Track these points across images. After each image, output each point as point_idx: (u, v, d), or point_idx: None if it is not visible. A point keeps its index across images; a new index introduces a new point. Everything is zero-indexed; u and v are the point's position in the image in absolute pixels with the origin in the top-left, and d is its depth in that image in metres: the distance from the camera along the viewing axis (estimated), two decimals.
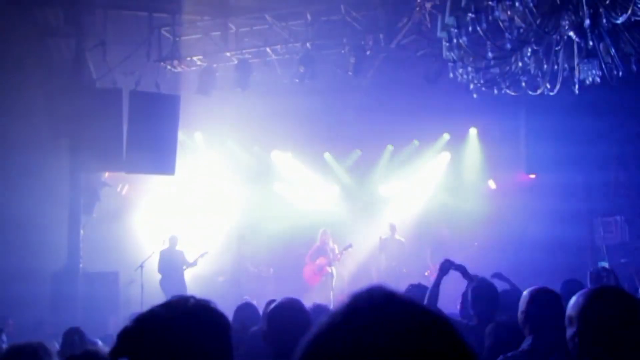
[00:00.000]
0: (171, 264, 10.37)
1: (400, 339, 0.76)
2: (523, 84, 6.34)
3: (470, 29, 5.19)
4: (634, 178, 10.57)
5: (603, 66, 5.41)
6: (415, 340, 0.77)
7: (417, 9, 8.48)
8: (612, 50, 5.25)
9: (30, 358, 2.49)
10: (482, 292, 4.00)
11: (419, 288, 4.81)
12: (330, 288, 11.33)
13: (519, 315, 3.06)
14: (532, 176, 11.41)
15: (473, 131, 12.79)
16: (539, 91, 6.31)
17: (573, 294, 2.17)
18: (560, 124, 9.87)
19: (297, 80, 9.29)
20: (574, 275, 5.78)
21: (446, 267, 4.42)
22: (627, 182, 10.57)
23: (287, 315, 2.63)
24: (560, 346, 2.81)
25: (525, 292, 3.18)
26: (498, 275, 5.16)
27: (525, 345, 2.98)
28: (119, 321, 7.10)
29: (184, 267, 10.48)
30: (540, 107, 9.91)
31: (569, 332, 2.13)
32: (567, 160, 9.96)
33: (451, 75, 6.51)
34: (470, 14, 5.33)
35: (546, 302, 3.11)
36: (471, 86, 6.41)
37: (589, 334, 2.03)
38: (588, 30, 4.83)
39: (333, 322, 0.81)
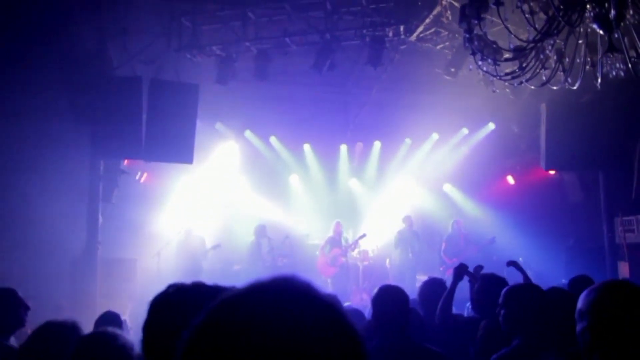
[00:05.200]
0: (188, 252, 10.45)
1: (287, 327, 0.76)
2: (544, 77, 6.23)
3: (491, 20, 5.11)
4: None
5: (628, 60, 5.29)
6: (302, 328, 0.76)
7: (439, 0, 8.39)
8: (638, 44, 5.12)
9: (61, 335, 2.52)
10: (487, 287, 3.97)
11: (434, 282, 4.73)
12: (344, 279, 11.35)
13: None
14: (552, 172, 11.25)
15: (491, 126, 12.67)
16: (559, 86, 6.20)
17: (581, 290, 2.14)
18: (580, 120, 9.69)
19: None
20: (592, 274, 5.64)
21: (460, 273, 4.33)
22: None
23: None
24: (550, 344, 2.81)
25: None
26: (513, 264, 5.03)
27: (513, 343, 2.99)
28: (136, 308, 7.17)
29: (204, 255, 10.53)
30: (561, 103, 9.74)
31: (579, 327, 2.09)
32: (587, 157, 9.79)
33: (471, 68, 6.43)
34: (491, 5, 5.26)
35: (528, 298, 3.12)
36: (491, 79, 6.33)
37: (600, 330, 1.99)
38: (613, 23, 4.70)
39: (226, 301, 0.81)
